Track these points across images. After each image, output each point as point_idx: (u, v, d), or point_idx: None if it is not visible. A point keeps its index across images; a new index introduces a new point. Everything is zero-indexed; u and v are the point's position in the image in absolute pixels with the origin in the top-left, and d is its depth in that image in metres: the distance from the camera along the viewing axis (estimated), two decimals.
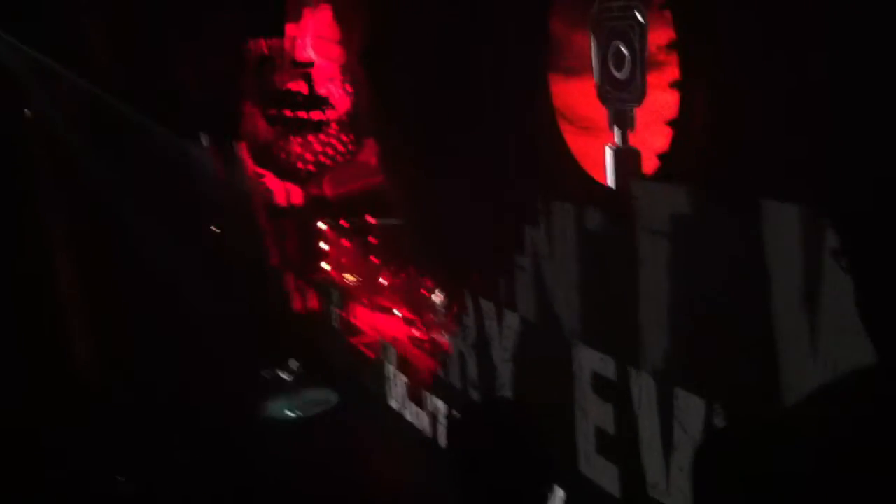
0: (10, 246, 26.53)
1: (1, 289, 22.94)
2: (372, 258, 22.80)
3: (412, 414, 17.14)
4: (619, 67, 12.97)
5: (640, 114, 12.87)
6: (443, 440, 15.77)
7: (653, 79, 12.54)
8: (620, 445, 11.10)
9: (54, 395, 19.31)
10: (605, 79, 13.51)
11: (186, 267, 25.32)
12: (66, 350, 22.59)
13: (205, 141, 29.02)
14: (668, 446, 10.46)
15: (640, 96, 12.72)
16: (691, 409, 9.77)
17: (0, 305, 22.01)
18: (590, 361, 11.73)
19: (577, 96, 14.53)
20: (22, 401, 18.83)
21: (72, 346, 22.90)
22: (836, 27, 9.32)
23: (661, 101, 12.25)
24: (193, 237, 28.13)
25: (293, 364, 18.68)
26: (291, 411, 18.81)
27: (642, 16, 12.43)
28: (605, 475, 11.47)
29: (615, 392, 11.28)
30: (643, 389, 10.73)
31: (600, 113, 13.84)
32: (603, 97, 13.62)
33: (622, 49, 13.02)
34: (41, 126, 35.93)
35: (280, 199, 25.23)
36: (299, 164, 25.77)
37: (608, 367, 11.37)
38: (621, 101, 13.23)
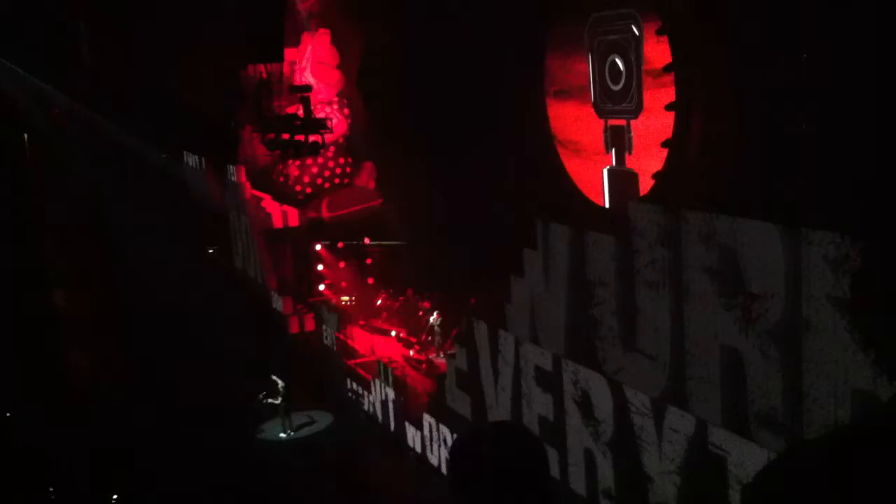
0: (13, 264, 26.78)
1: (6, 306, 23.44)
2: (369, 280, 22.93)
3: (408, 434, 17.17)
4: (615, 80, 13.25)
5: (636, 135, 13.10)
6: (439, 460, 15.84)
7: (649, 101, 12.78)
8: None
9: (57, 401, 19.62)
10: (602, 92, 13.75)
11: (183, 284, 25.48)
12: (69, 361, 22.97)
13: (201, 163, 29.25)
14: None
15: (636, 108, 12.97)
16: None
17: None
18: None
19: (572, 120, 14.76)
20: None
21: (74, 357, 23.26)
22: (831, 51, 9.55)
23: (656, 123, 12.49)
24: (190, 256, 28.29)
25: (282, 385, 18.70)
26: (285, 433, 18.82)
27: (638, 29, 12.71)
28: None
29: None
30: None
31: (596, 136, 14.08)
32: (600, 110, 13.87)
33: (618, 62, 13.28)
34: (42, 148, 36.26)
35: (278, 222, 25.35)
36: (297, 188, 25.93)
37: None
38: (618, 113, 13.50)
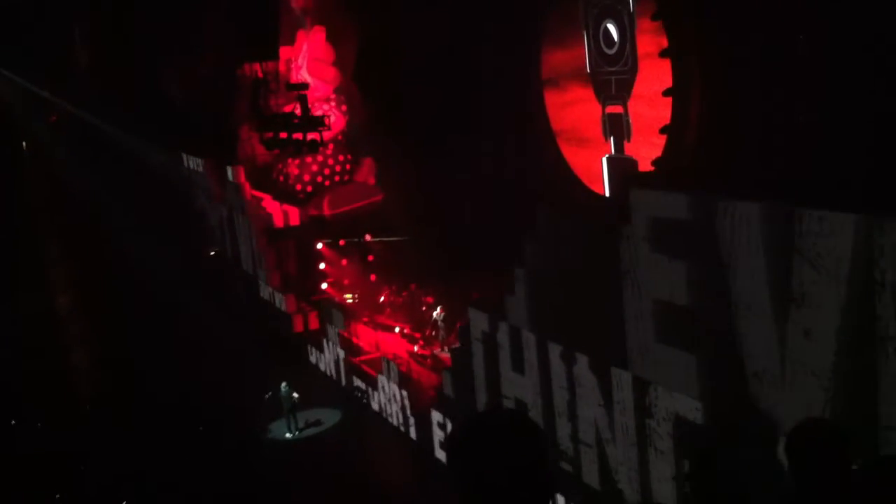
0: (12, 267, 26.86)
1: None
2: (372, 277, 22.84)
3: (413, 429, 17.10)
4: (609, 45, 13.26)
5: (635, 122, 12.99)
6: (443, 454, 15.76)
7: (646, 87, 12.67)
8: None
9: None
10: (598, 57, 13.73)
11: (186, 287, 25.48)
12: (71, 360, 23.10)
13: (200, 164, 29.18)
14: None
15: (633, 67, 12.97)
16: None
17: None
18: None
19: (560, 107, 14.69)
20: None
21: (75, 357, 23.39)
22: (828, 36, 9.42)
23: (654, 109, 12.36)
24: (191, 257, 28.28)
25: (285, 385, 18.63)
26: (291, 433, 18.74)
27: None
28: None
29: None
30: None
31: (594, 124, 13.98)
32: (595, 73, 13.80)
33: (611, 27, 13.26)
34: (41, 155, 36.22)
35: (279, 221, 25.23)
36: (297, 186, 25.83)
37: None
38: (614, 74, 13.44)
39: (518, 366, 13.06)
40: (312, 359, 22.21)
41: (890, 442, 7.53)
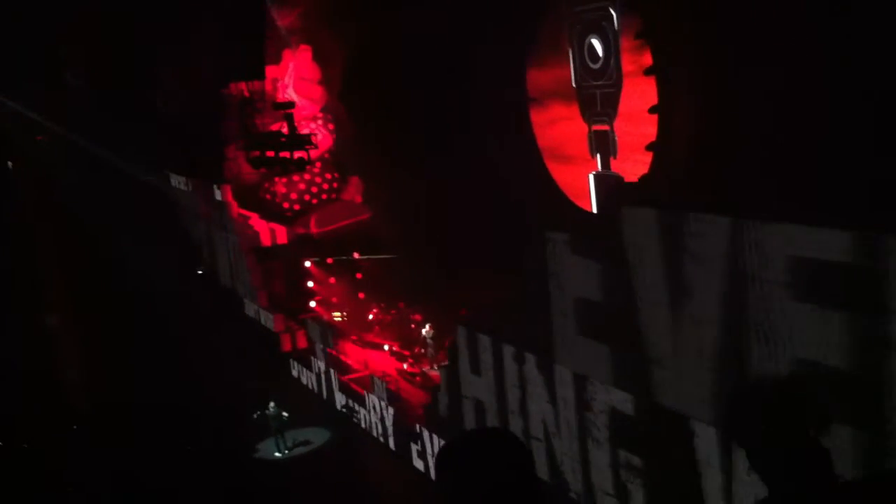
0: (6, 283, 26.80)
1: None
2: (360, 295, 22.83)
3: (401, 447, 17.06)
4: (594, 59, 13.49)
5: (621, 139, 13.09)
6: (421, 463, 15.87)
7: (632, 104, 12.77)
8: None
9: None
10: (583, 72, 13.94)
11: (174, 306, 25.45)
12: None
13: (184, 183, 29.17)
14: None
15: (617, 80, 13.14)
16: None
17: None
18: None
19: (554, 126, 14.77)
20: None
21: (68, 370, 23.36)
22: (813, 56, 9.52)
23: (639, 126, 12.46)
24: (179, 275, 28.23)
25: (273, 405, 18.55)
26: (280, 452, 18.66)
27: (614, 10, 12.85)
28: None
29: None
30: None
31: (579, 141, 14.07)
32: (580, 87, 13.99)
33: (595, 42, 13.42)
34: (29, 175, 36.11)
35: (266, 240, 25.22)
36: (284, 205, 25.84)
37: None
38: (599, 88, 13.65)
39: (475, 367, 14.03)
40: (295, 373, 22.43)
41: None
